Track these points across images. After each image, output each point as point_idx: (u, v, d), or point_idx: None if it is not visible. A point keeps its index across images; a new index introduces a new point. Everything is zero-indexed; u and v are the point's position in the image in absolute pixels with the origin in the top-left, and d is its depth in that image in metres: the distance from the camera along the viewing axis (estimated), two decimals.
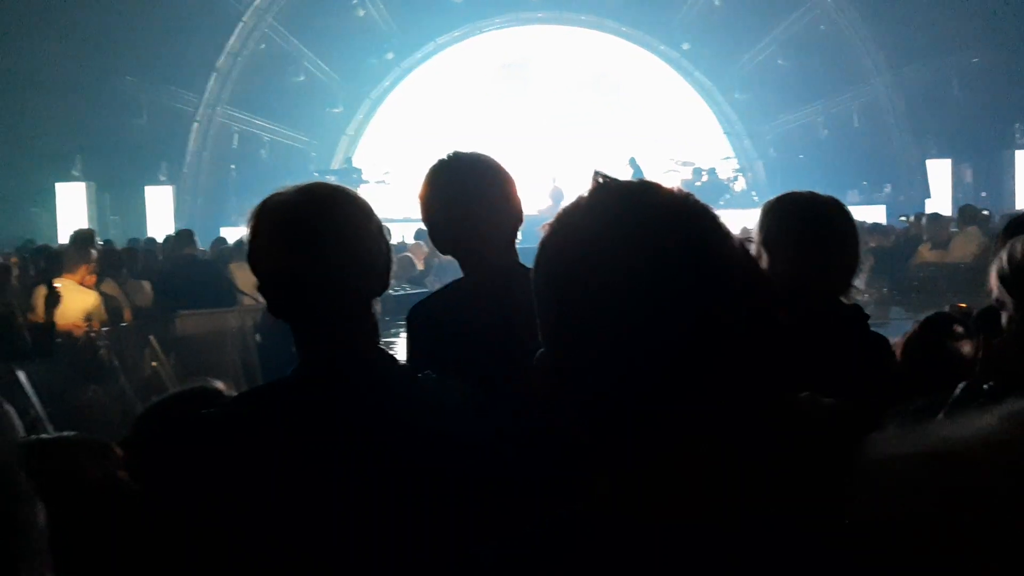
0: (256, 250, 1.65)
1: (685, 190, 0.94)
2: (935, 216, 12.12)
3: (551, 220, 0.96)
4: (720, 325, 0.88)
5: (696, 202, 0.93)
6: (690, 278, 0.88)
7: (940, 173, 20.78)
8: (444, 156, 2.35)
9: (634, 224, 0.90)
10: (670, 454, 0.88)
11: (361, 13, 21.49)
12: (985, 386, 1.98)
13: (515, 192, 2.35)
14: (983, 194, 19.24)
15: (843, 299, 2.41)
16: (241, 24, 20.82)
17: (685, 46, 22.12)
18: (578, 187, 0.97)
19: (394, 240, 9.84)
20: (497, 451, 1.64)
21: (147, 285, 9.06)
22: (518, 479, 1.62)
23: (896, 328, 2.87)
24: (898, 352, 2.57)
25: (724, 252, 0.91)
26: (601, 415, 0.91)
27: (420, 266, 11.19)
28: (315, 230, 1.60)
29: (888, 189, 20.67)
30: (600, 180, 0.94)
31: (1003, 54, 18.90)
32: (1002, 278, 2.01)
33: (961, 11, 18.71)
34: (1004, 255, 2.01)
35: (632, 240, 0.89)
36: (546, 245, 0.95)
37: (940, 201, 19.32)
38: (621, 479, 0.91)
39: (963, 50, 19.58)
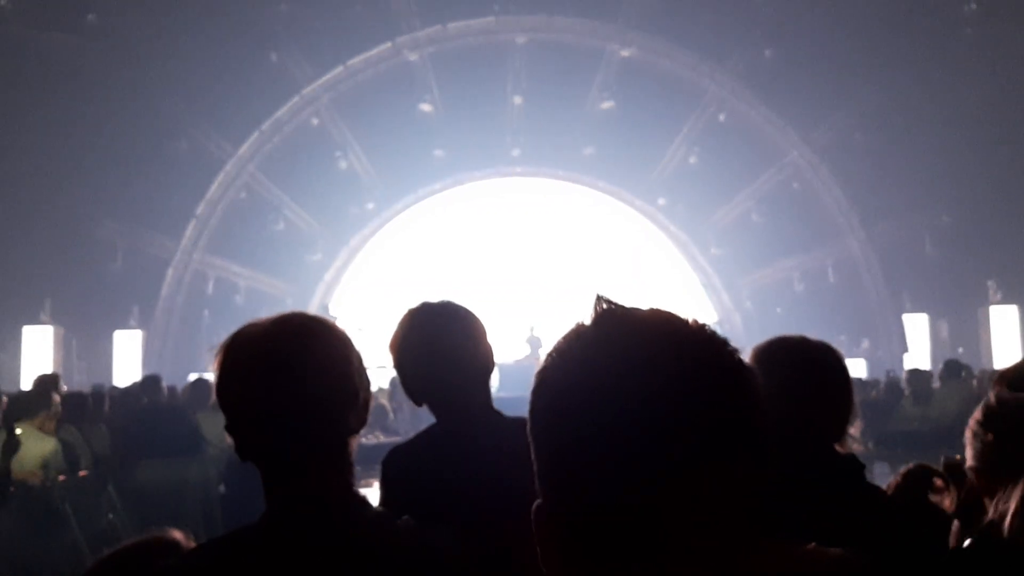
0: (226, 383, 1.50)
1: (700, 319, 0.81)
2: (916, 371, 12.02)
3: (550, 350, 0.82)
4: (745, 473, 0.77)
5: (716, 332, 0.81)
6: (720, 420, 0.76)
7: (918, 328, 20.92)
8: (413, 306, 2.34)
9: (655, 356, 0.77)
10: None
11: (343, 165, 21.84)
12: (965, 543, 1.90)
13: (485, 338, 2.32)
14: (960, 349, 19.28)
15: (838, 448, 2.24)
16: (223, 173, 21.07)
17: (661, 201, 22.54)
18: (555, 336, 0.83)
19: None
20: None
21: (109, 432, 8.81)
22: None
23: (880, 483, 2.78)
24: None
25: (756, 387, 0.80)
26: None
27: (392, 414, 10.97)
28: (291, 360, 1.47)
29: (866, 344, 20.68)
30: (604, 306, 0.82)
31: (973, 213, 19.34)
32: (974, 433, 1.94)
33: (930, 172, 19.25)
34: (976, 412, 1.96)
35: (653, 374, 0.76)
36: (545, 380, 0.81)
37: (919, 355, 19.33)
38: None
39: (934, 209, 20.05)
